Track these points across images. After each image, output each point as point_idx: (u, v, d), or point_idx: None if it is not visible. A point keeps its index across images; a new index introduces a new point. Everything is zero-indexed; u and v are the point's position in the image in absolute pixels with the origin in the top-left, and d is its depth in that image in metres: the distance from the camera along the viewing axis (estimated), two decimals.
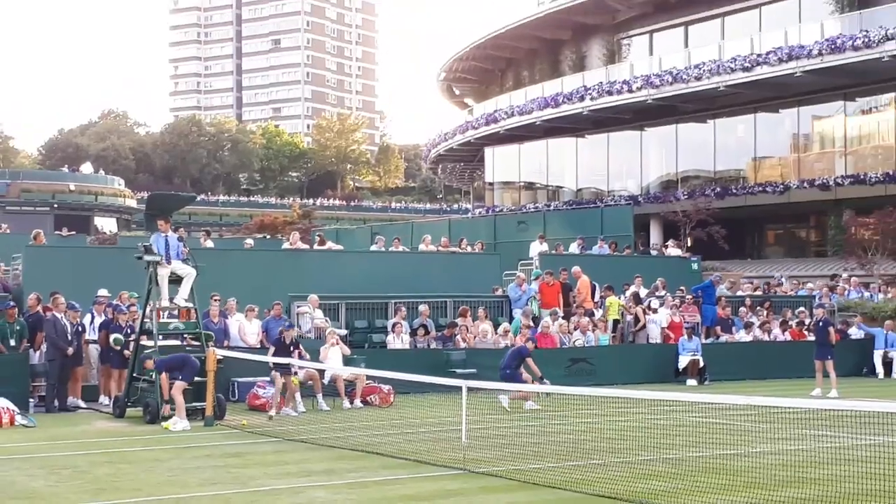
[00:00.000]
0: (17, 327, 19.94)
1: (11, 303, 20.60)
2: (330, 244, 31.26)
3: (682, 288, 29.82)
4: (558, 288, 27.28)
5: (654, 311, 28.00)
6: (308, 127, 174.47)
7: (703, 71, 50.95)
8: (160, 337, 18.47)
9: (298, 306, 24.21)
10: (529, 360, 20.12)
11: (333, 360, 20.68)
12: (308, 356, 20.37)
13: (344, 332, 23.77)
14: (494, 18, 73.53)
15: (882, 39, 43.78)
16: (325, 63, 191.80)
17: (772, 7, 53.82)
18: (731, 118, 54.92)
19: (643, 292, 29.10)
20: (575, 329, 26.23)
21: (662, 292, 29.17)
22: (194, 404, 17.87)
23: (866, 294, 34.05)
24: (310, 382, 20.17)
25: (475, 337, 24.88)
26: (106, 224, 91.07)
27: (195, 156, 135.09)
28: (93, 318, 21.28)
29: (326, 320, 24.00)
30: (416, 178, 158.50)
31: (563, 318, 26.44)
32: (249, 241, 36.60)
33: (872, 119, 49.80)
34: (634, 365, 26.16)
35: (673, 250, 36.66)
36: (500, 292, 28.28)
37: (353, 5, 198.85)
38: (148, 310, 18.64)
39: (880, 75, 46.18)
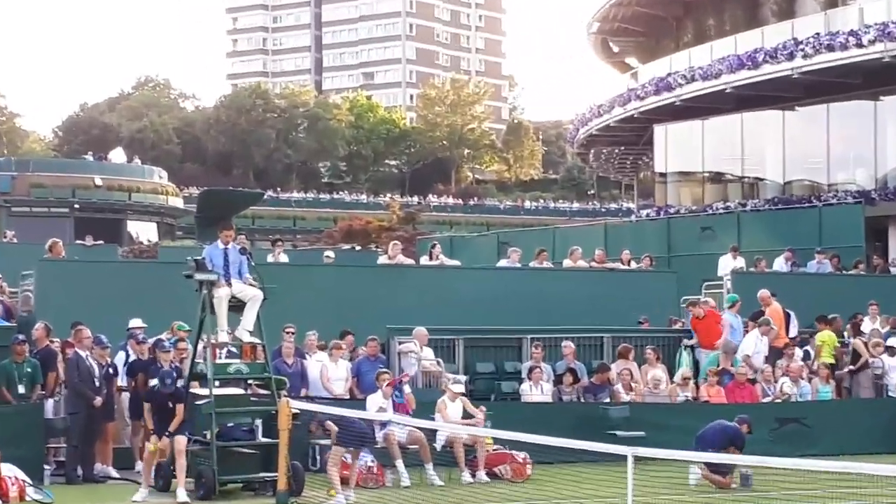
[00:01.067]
0: (28, 369, 20.29)
1: (20, 336, 20.83)
2: (443, 258, 31.34)
3: None
4: (717, 319, 26.74)
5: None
6: (411, 98, 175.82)
7: None
8: (216, 383, 18.72)
9: (400, 343, 24.30)
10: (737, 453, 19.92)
11: (451, 416, 20.71)
12: (412, 408, 20.52)
13: (462, 379, 23.74)
14: None
15: None
16: (435, 12, 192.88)
17: None
18: None
19: (875, 326, 28.47)
20: (783, 375, 25.81)
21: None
22: (262, 475, 18.04)
23: None
24: (414, 447, 20.21)
25: (643, 386, 24.66)
26: (143, 231, 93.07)
27: (260, 138, 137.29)
28: (127, 357, 21.64)
29: (439, 362, 24.04)
30: (557, 167, 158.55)
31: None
32: (330, 255, 36.98)
33: None
34: (867, 427, 25.60)
35: None
36: (678, 325, 27.97)
37: None
38: (200, 346, 18.91)
39: None
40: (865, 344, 27.34)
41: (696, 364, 26.17)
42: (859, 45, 53.98)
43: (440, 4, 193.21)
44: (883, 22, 53.40)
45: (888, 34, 52.70)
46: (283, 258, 31.47)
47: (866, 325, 28.42)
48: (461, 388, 22.34)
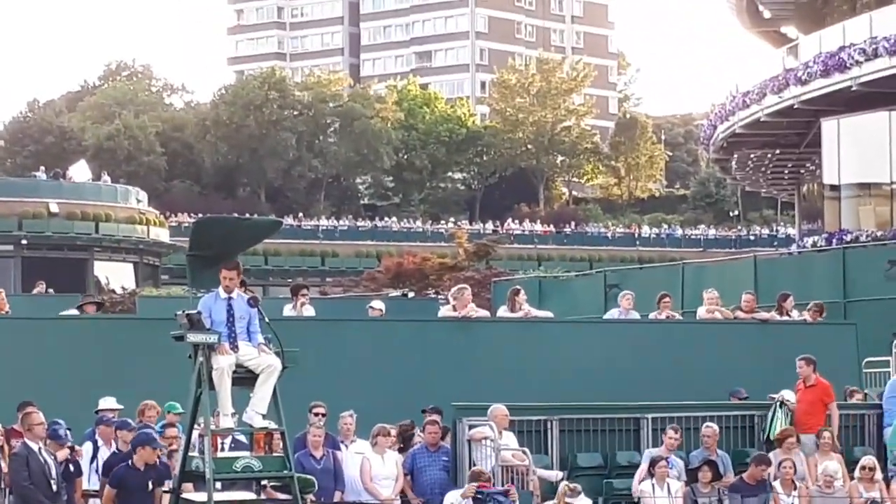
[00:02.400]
0: None
1: None
2: (528, 308, 31.29)
3: None
4: (827, 389, 26.48)
5: None
6: (483, 87, 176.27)
7: None
8: (217, 485, 18.75)
9: (472, 427, 24.26)
10: None
11: None
12: None
13: (557, 475, 23.69)
14: None
15: None
16: None
17: None
18: None
19: None
20: None
21: None
22: None
23: None
24: None
25: (812, 484, 24.52)
26: (115, 275, 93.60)
27: (275, 144, 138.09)
28: (95, 450, 21.72)
29: (525, 453, 23.99)
30: (687, 179, 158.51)
31: None
32: (378, 306, 36.86)
33: None
34: None
35: None
36: (857, 397, 27.75)
37: None
38: (195, 434, 18.96)
39: None
40: None
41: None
42: None
43: None
44: None
45: None
46: (309, 311, 31.20)
47: None
48: (556, 477, 22.29)
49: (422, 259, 74.13)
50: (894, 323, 32.61)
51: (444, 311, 30.86)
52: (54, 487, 20.16)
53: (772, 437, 25.33)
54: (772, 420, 25.90)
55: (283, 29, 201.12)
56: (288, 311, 30.68)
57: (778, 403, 25.90)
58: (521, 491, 21.92)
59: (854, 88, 64.61)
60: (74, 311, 30.87)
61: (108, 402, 22.35)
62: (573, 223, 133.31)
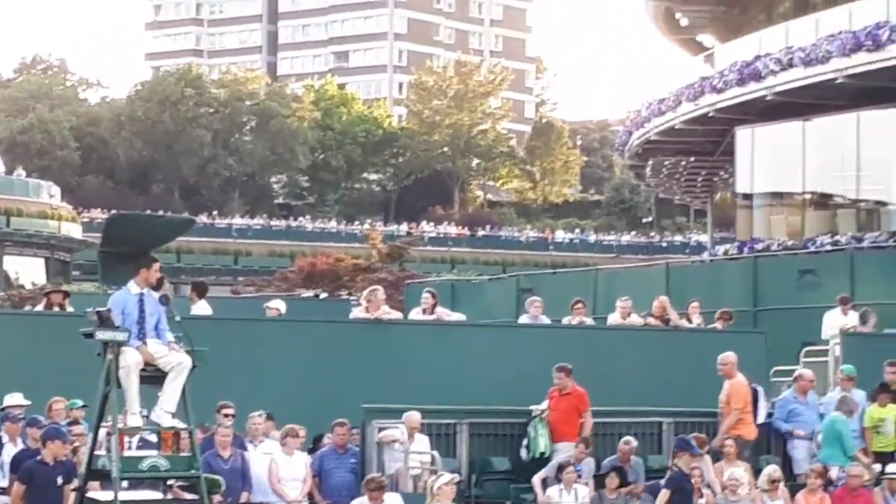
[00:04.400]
0: None
1: None
2: (441, 311, 31.35)
3: None
4: (578, 400, 26.67)
5: None
6: (401, 89, 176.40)
7: None
8: (124, 484, 18.64)
9: (381, 429, 24.26)
10: None
11: None
12: None
13: (455, 479, 23.35)
14: None
15: None
16: None
17: None
18: None
19: None
20: None
21: None
22: None
23: None
24: None
25: (722, 491, 24.68)
26: (25, 270, 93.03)
27: (191, 143, 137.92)
28: (0, 447, 21.56)
29: (434, 458, 23.99)
30: (601, 185, 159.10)
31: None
32: (277, 305, 36.50)
33: None
34: None
35: None
36: (765, 409, 28.00)
37: None
38: (103, 433, 18.85)
39: None
40: None
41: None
42: None
43: None
44: None
45: None
46: (203, 309, 30.70)
47: None
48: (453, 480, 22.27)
49: (335, 260, 74.10)
50: (803, 332, 32.86)
51: (357, 313, 30.82)
52: None
53: (537, 455, 25.17)
54: (534, 436, 25.86)
55: (201, 26, 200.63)
56: (193, 309, 30.49)
57: (537, 418, 25.82)
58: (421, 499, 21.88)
59: (769, 98, 64.95)
60: None
61: (14, 399, 22.21)
62: (487, 226, 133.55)
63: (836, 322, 32.75)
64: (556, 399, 25.72)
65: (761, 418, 27.56)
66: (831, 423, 26.76)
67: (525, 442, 25.32)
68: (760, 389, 27.92)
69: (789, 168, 68.29)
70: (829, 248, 59.24)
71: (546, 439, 24.96)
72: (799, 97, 63.98)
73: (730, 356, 27.16)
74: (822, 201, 67.87)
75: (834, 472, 25.66)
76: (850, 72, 60.36)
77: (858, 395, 27.23)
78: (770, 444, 27.45)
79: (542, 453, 24.75)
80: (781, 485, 24.91)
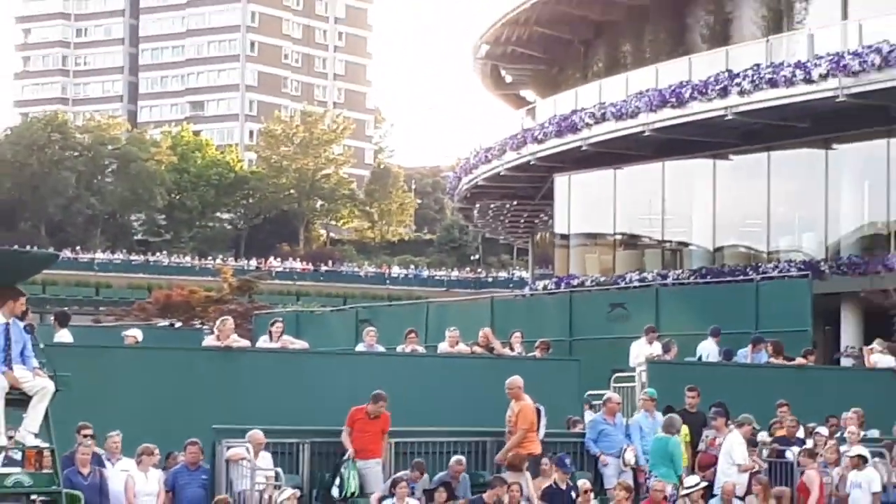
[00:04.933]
0: None
1: None
2: (286, 339, 31.18)
3: None
4: (385, 423, 25.90)
5: (861, 462, 27.72)
6: (251, 136, 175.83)
7: None
8: None
9: (229, 447, 24.07)
10: None
11: None
12: None
13: (294, 493, 23.24)
14: None
15: None
16: (283, 27, 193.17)
17: None
18: None
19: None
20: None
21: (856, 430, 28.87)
22: None
23: None
24: None
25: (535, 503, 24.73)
26: None
27: (56, 183, 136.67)
28: None
29: (278, 474, 23.84)
30: (434, 225, 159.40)
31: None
32: (135, 333, 36.07)
33: None
34: None
35: (883, 358, 36.41)
36: (579, 427, 28.09)
37: None
38: None
39: None
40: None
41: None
42: (808, 81, 54.88)
43: (290, 18, 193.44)
44: (838, 52, 54.37)
45: (843, 67, 53.64)
46: (65, 337, 30.13)
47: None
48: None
49: (189, 292, 73.64)
50: (613, 359, 33.01)
51: (209, 341, 30.57)
52: None
53: (348, 494, 25.03)
54: (347, 478, 25.57)
55: (67, 76, 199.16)
56: (56, 338, 30.06)
57: (350, 461, 25.60)
58: None
59: (584, 148, 65.46)
60: None
61: None
62: (330, 262, 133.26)
63: (642, 351, 32.93)
64: (364, 422, 25.35)
65: (541, 435, 27.23)
66: (665, 443, 26.66)
67: (337, 482, 25.06)
68: (542, 408, 27.84)
69: (602, 211, 68.85)
70: (636, 283, 59.70)
71: (356, 480, 24.79)
72: (610, 148, 64.56)
73: (516, 380, 26.69)
74: (631, 242, 68.48)
75: (669, 489, 25.78)
76: (656, 125, 61.00)
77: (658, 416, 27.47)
78: (583, 459, 27.45)
79: (353, 493, 24.55)
80: (592, 495, 25.05)
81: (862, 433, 28.84)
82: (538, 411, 27.20)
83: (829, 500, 27.51)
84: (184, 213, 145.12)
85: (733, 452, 27.32)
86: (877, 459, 28.33)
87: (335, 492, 24.66)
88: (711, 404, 28.42)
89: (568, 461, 24.36)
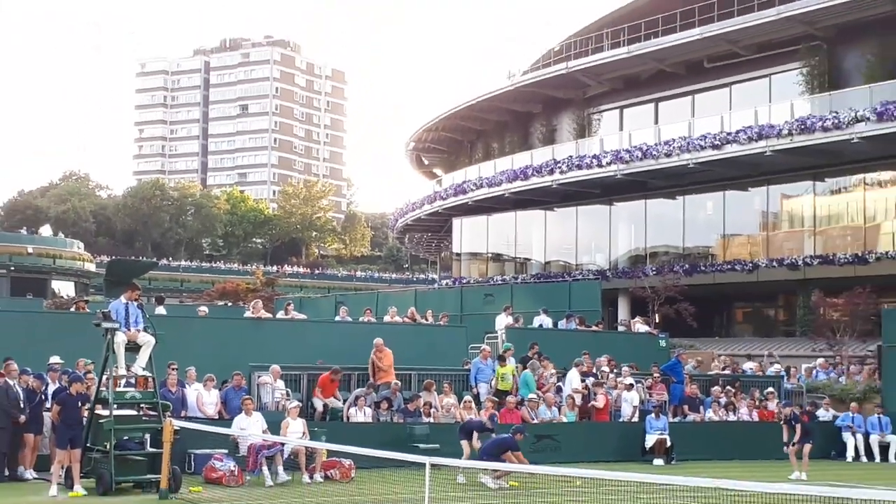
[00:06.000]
0: None
1: None
2: (294, 313, 31.06)
3: (654, 364, 30.00)
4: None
5: (630, 387, 28.00)
6: (274, 193, 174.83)
7: (673, 148, 51.50)
8: (115, 406, 18.23)
9: (259, 377, 23.98)
10: (517, 454, 20.04)
11: (294, 433, 20.49)
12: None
13: (296, 404, 23.02)
14: (465, 90, 74.43)
15: (852, 121, 44.46)
16: (293, 130, 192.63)
17: (742, 86, 54.68)
18: (701, 195, 55.41)
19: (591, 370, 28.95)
20: (542, 403, 26.14)
21: (606, 369, 29.08)
22: (149, 476, 17.66)
23: (833, 375, 34.33)
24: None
25: (439, 411, 24.69)
26: (64, 288, 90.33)
27: (158, 220, 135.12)
28: (46, 385, 20.90)
29: (287, 392, 23.77)
30: (382, 247, 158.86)
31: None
32: (204, 309, 36.06)
33: (841, 199, 50.46)
34: (601, 443, 26.11)
35: (641, 327, 36.79)
36: (467, 366, 28.20)
37: (322, 73, 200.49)
38: (104, 378, 18.41)
39: (850, 156, 46.90)
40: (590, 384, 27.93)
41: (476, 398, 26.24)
42: (600, 166, 55.59)
43: (297, 124, 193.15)
44: (617, 149, 55.07)
45: (620, 158, 54.30)
46: (162, 311, 29.67)
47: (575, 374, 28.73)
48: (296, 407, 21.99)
49: (236, 285, 72.41)
50: (486, 326, 32.98)
51: (247, 314, 30.15)
52: (21, 405, 19.45)
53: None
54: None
55: (165, 157, 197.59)
56: (157, 311, 29.77)
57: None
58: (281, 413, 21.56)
59: (470, 203, 65.83)
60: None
61: (55, 359, 21.57)
62: (320, 268, 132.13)
63: (502, 321, 33.02)
64: (327, 383, 24.47)
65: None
66: (525, 376, 27.13)
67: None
68: None
69: (480, 240, 69.12)
70: (500, 282, 59.96)
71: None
72: (485, 203, 64.90)
73: (379, 340, 25.79)
74: (497, 257, 68.62)
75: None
76: (512, 190, 61.39)
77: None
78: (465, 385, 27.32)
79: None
80: (472, 404, 24.90)
81: (626, 369, 29.18)
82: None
83: (612, 409, 27.82)
84: (233, 238, 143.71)
85: (573, 380, 27.67)
86: (638, 385, 28.66)
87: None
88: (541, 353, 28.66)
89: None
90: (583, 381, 27.97)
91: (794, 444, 23.81)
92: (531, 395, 26.12)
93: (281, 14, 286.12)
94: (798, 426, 23.88)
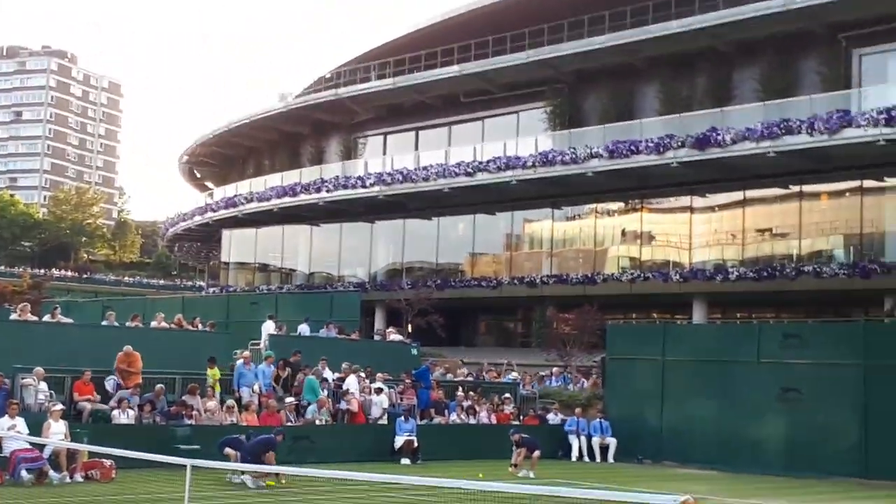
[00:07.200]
0: None
1: None
2: (60, 317, 29.52)
3: (407, 371, 30.38)
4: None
5: (378, 391, 28.24)
6: (45, 198, 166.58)
7: (431, 173, 52.63)
8: None
9: (23, 378, 22.73)
10: (272, 454, 19.93)
11: (56, 434, 19.55)
12: None
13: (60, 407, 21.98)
14: (239, 108, 73.71)
15: (587, 157, 46.86)
16: (67, 138, 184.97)
17: (493, 121, 56.56)
18: (454, 217, 56.77)
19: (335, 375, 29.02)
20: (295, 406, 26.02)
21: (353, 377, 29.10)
22: None
23: (562, 383, 35.84)
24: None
25: (202, 414, 24.15)
26: None
27: None
28: None
29: (51, 394, 22.65)
30: (152, 254, 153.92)
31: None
32: None
33: (575, 225, 52.80)
34: (354, 443, 26.22)
35: (395, 336, 37.20)
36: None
37: (99, 84, 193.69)
38: None
39: (584, 188, 49.17)
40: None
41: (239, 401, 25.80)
42: (363, 186, 56.20)
43: (71, 133, 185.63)
44: (380, 172, 55.74)
45: (382, 180, 54.94)
46: None
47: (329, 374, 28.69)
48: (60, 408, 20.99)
49: (2, 287, 68.32)
50: (251, 333, 32.43)
51: (13, 316, 28.48)
52: None
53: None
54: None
55: None
56: None
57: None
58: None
59: (239, 216, 65.07)
60: None
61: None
62: (88, 272, 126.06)
63: (267, 328, 32.65)
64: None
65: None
66: (311, 381, 26.99)
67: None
68: None
69: (248, 251, 68.43)
70: (266, 291, 59.34)
71: None
72: (254, 217, 64.41)
73: (129, 347, 24.63)
74: (264, 268, 68.01)
75: (312, 408, 25.91)
76: (280, 206, 61.14)
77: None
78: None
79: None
80: (236, 409, 24.52)
81: (380, 375, 29.38)
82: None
83: (366, 410, 27.92)
84: (1, 241, 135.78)
85: (351, 384, 27.64)
86: (389, 389, 28.96)
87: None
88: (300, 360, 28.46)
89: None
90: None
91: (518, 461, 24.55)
92: (289, 399, 25.97)
93: (61, 25, 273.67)
94: (524, 449, 24.62)
